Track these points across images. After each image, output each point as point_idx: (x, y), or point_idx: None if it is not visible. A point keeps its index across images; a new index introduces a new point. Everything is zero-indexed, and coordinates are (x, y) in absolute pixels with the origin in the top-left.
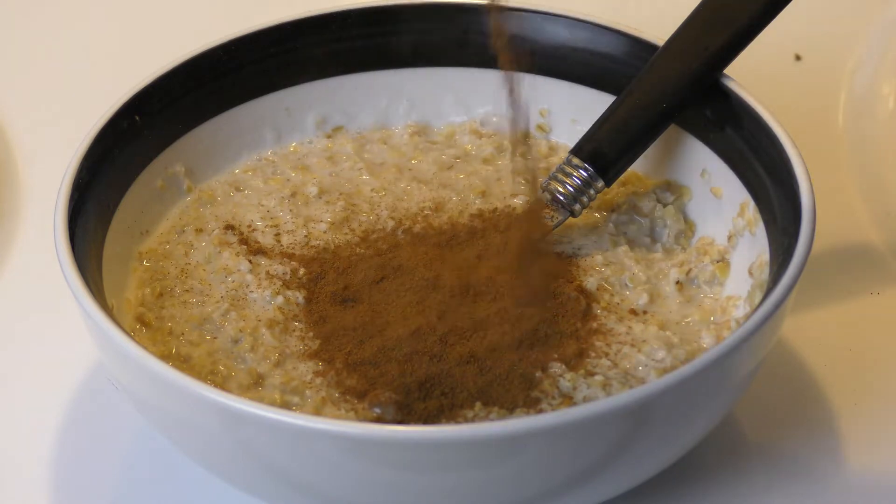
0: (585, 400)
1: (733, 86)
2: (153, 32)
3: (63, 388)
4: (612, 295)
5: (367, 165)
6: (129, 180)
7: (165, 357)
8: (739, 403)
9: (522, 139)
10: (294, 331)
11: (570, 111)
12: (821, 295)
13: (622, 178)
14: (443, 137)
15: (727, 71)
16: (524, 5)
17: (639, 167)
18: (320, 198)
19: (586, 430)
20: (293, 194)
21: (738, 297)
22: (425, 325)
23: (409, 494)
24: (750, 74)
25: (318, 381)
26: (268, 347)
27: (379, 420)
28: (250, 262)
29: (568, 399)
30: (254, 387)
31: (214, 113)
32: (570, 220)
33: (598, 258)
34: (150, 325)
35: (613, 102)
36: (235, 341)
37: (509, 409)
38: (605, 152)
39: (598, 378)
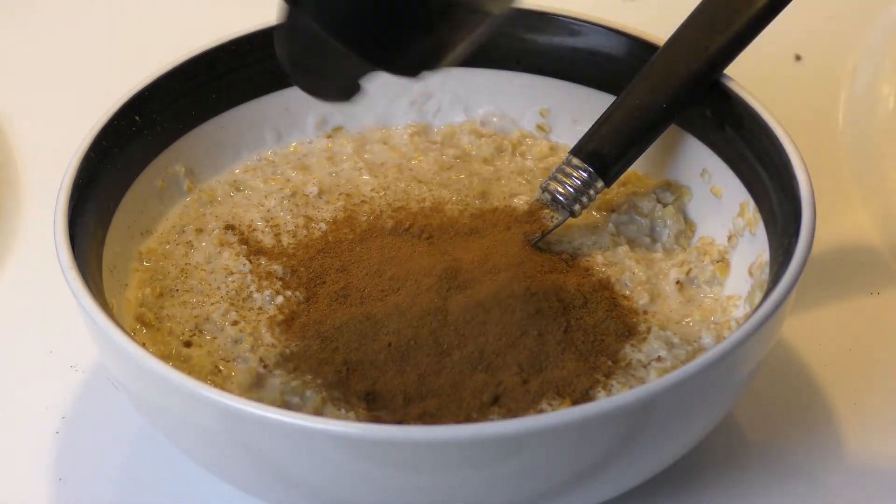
0: (586, 400)
1: (733, 86)
2: (153, 32)
3: (63, 388)
4: (612, 294)
5: (367, 165)
6: (129, 180)
7: (165, 357)
8: (739, 403)
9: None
10: (294, 330)
11: (570, 111)
12: (821, 295)
13: (622, 178)
14: (443, 137)
15: (727, 71)
16: (524, 5)
17: (639, 167)
18: (320, 198)
19: (586, 430)
20: (293, 194)
21: (738, 297)
22: (425, 324)
23: (409, 494)
24: (750, 74)
25: (318, 381)
26: (268, 347)
27: (379, 420)
28: (250, 261)
29: (568, 399)
30: (254, 387)
31: (214, 113)
32: (570, 220)
33: (599, 258)
34: (150, 325)
35: (613, 102)
36: (235, 341)
37: (510, 408)
38: (605, 152)
39: (599, 378)
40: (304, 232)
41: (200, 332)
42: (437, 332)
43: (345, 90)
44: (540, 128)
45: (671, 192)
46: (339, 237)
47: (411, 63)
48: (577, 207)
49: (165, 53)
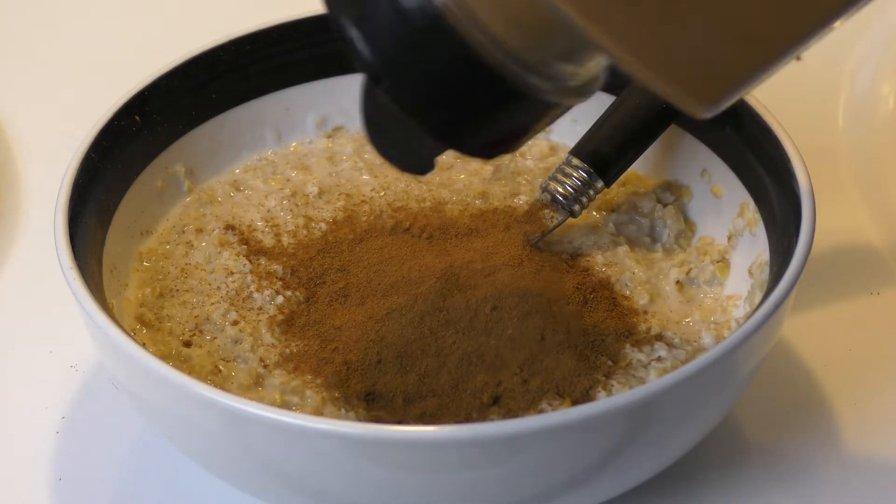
0: (586, 400)
1: None
2: (153, 32)
3: (63, 388)
4: (612, 294)
5: (368, 165)
6: (129, 180)
7: (165, 357)
8: (739, 403)
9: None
10: (294, 330)
11: (570, 111)
12: (821, 295)
13: (622, 178)
14: None
15: None
16: None
17: (639, 167)
18: (320, 198)
19: (586, 430)
20: (293, 194)
21: (738, 297)
22: (425, 324)
23: (408, 494)
24: None
25: (318, 381)
26: (268, 347)
27: (379, 420)
28: (250, 262)
29: (568, 399)
30: (254, 387)
31: (214, 113)
32: (570, 220)
33: (599, 258)
34: (150, 325)
35: (613, 102)
36: (235, 341)
37: (510, 408)
38: (604, 153)
39: (599, 378)
40: (305, 232)
41: (200, 332)
42: (437, 332)
43: (420, 164)
44: None
45: (671, 192)
46: (339, 237)
47: (486, 147)
48: (576, 207)
49: (165, 53)
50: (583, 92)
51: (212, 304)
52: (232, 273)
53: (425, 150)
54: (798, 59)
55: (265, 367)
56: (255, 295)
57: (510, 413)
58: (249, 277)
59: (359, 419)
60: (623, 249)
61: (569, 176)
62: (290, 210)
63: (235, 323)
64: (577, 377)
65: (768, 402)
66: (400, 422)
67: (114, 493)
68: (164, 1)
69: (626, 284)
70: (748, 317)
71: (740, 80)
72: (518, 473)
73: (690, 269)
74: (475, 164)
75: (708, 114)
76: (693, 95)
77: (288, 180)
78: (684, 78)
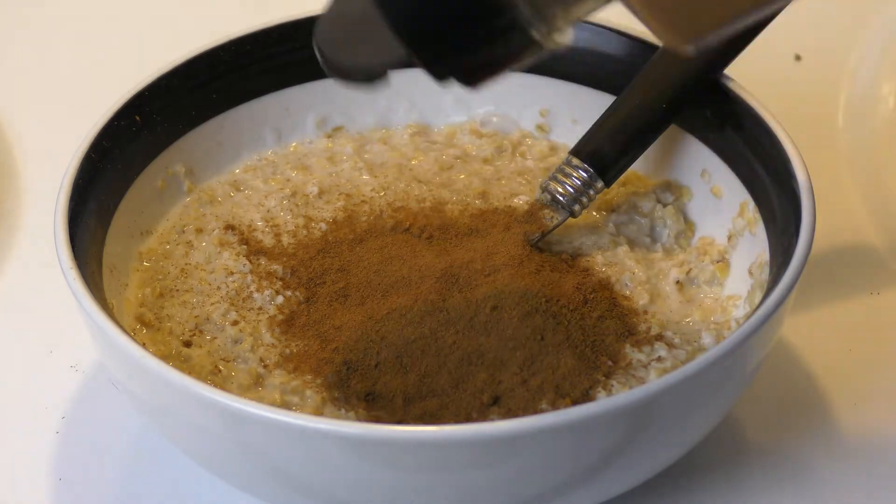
0: (586, 400)
1: (733, 86)
2: (153, 32)
3: (63, 388)
4: (612, 294)
5: (368, 165)
6: (129, 180)
7: (165, 357)
8: (739, 403)
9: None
10: (294, 330)
11: (570, 111)
12: (821, 295)
13: (622, 178)
14: (443, 137)
15: (727, 71)
16: None
17: (639, 167)
18: (320, 198)
19: (586, 430)
20: (293, 194)
21: (738, 297)
22: (425, 324)
23: (408, 494)
24: (750, 74)
25: (318, 381)
26: (268, 347)
27: (379, 420)
28: (250, 262)
29: (568, 399)
30: (254, 387)
31: (214, 113)
32: (570, 220)
33: (598, 258)
34: (150, 325)
35: (613, 102)
36: (235, 341)
37: (510, 408)
38: (604, 153)
39: (599, 378)
40: (304, 232)
41: (200, 332)
42: (437, 332)
43: (370, 76)
44: (540, 128)
45: (671, 192)
46: (339, 237)
47: (452, 72)
48: (576, 207)
49: (165, 53)
50: (561, 38)
51: (212, 304)
52: (232, 273)
53: (380, 58)
54: (798, 58)
55: (265, 367)
56: (255, 295)
57: (510, 413)
58: (249, 277)
59: (359, 419)
60: (623, 249)
61: (569, 176)
62: (290, 210)
63: (235, 323)
64: (577, 377)
65: (768, 402)
66: (400, 422)
67: (114, 493)
68: (164, 1)
69: (626, 284)
70: (748, 317)
71: (724, 15)
72: (518, 473)
73: (690, 269)
74: (475, 164)
75: (692, 49)
76: (677, 29)
77: (288, 180)
78: (669, 10)
